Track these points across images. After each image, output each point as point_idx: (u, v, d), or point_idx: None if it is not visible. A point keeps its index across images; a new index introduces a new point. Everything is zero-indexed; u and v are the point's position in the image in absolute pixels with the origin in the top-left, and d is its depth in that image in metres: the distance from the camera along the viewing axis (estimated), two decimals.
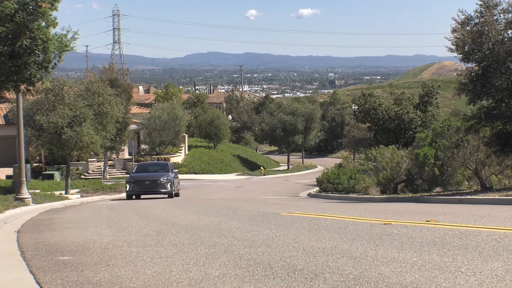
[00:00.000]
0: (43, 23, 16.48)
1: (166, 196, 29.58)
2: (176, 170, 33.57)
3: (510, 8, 17.82)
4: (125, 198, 30.32)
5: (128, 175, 41.39)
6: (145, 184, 29.56)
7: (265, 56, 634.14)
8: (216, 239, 8.57)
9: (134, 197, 29.79)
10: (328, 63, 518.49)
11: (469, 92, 18.29)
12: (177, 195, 30.65)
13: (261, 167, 69.11)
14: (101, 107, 35.32)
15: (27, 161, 32.61)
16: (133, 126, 55.24)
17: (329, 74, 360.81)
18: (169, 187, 29.44)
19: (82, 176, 50.78)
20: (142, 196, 30.35)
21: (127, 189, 29.85)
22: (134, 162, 48.80)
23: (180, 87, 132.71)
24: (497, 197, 15.69)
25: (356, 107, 47.99)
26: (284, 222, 11.04)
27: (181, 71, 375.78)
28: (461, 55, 18.30)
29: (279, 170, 72.93)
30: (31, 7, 16.25)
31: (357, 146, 66.61)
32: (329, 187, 30.72)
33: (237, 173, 66.04)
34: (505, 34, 17.84)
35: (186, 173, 60.76)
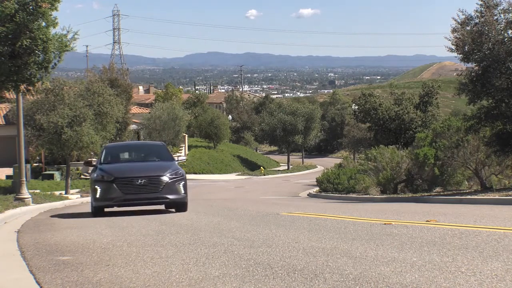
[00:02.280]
0: (43, 23, 16.49)
1: (174, 208, 16.37)
2: (184, 158, 19.63)
3: (510, 8, 17.82)
4: (89, 213, 16.57)
5: None
6: (136, 185, 15.29)
7: (265, 56, 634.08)
8: (216, 239, 8.57)
9: (104, 209, 15.92)
10: (328, 63, 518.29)
11: (469, 92, 18.29)
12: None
13: (261, 167, 69.11)
14: (101, 107, 35.34)
15: (27, 161, 32.62)
16: (133, 126, 55.25)
17: (329, 74, 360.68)
18: (182, 190, 15.67)
19: (82, 176, 50.74)
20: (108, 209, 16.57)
21: (97, 195, 15.42)
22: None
23: (180, 87, 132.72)
24: (497, 197, 15.69)
25: (356, 107, 48.03)
26: (284, 222, 11.04)
27: (181, 71, 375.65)
28: (461, 55, 18.30)
29: (279, 170, 72.93)
30: (31, 7, 16.25)
31: (357, 146, 66.64)
32: (329, 187, 30.71)
33: (237, 173, 66.05)
34: (505, 34, 17.84)
35: (186, 173, 60.82)
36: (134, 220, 13.43)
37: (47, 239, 9.91)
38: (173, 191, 15.40)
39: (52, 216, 16.33)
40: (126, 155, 17.78)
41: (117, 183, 15.19)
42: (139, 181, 15.24)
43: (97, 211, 15.56)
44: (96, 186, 15.43)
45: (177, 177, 15.54)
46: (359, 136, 62.86)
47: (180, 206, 15.85)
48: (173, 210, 16.42)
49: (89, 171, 54.27)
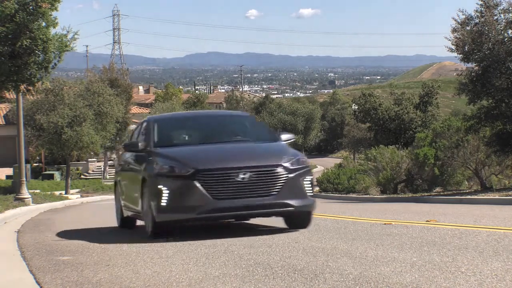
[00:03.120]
0: (43, 23, 16.52)
1: (289, 222, 9.42)
2: (291, 136, 10.26)
3: (510, 8, 17.83)
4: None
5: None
6: (236, 183, 8.52)
7: (265, 56, 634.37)
8: (216, 239, 8.56)
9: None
10: (328, 63, 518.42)
11: (469, 92, 18.29)
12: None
13: None
14: (101, 107, 35.40)
15: (27, 161, 32.65)
16: (133, 126, 55.23)
17: (329, 74, 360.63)
18: (310, 190, 9.00)
19: (82, 176, 50.82)
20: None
21: (163, 202, 8.57)
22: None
23: (180, 87, 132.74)
24: (497, 197, 15.69)
25: (356, 107, 48.09)
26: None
27: (181, 71, 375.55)
28: (461, 55, 18.31)
29: None
30: (31, 7, 16.27)
31: (357, 146, 66.68)
32: (329, 187, 30.74)
33: None
34: (505, 34, 17.85)
35: None
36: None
37: (47, 239, 9.91)
38: (298, 193, 8.81)
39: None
40: (195, 133, 10.46)
41: (201, 179, 8.50)
42: (241, 175, 8.53)
43: (161, 230, 8.92)
44: (160, 186, 8.62)
45: (301, 168, 8.93)
46: (359, 136, 62.89)
47: (304, 217, 9.25)
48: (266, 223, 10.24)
49: (90, 171, 54.25)
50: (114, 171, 56.15)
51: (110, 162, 56.27)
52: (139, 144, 9.81)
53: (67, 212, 20.15)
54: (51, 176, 44.97)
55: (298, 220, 9.25)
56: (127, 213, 10.73)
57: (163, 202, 8.57)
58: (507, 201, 14.60)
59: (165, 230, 8.93)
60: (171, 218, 8.68)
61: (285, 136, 10.02)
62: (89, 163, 54.42)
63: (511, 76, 17.67)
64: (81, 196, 32.86)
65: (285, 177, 8.67)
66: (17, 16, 15.91)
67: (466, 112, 23.32)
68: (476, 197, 16.77)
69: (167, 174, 8.69)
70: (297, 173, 8.80)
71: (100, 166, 54.05)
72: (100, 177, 50.37)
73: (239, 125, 10.81)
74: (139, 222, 10.56)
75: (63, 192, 34.19)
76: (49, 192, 31.23)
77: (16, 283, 6.05)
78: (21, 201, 21.35)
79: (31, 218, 16.32)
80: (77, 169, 50.72)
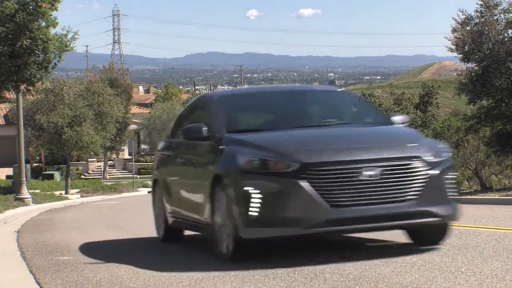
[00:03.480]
0: (43, 23, 16.53)
1: (421, 239, 6.72)
2: (404, 117, 7.65)
3: (510, 8, 17.83)
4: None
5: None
6: (359, 182, 5.90)
7: (265, 56, 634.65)
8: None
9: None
10: (328, 63, 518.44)
11: (469, 92, 18.29)
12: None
13: None
14: (101, 107, 35.42)
15: (27, 161, 32.65)
16: (133, 126, 55.28)
17: (329, 74, 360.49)
18: (455, 193, 6.45)
19: (82, 176, 50.80)
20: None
21: (254, 210, 5.90)
22: (134, 161, 48.50)
23: (180, 87, 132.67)
24: (497, 197, 15.68)
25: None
26: None
27: (181, 71, 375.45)
28: (461, 55, 18.30)
29: None
30: (31, 7, 16.28)
31: None
32: None
33: None
34: (505, 34, 17.85)
35: None
36: (134, 220, 13.40)
37: (47, 239, 9.91)
38: (442, 197, 6.30)
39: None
40: (279, 115, 7.60)
41: (311, 177, 5.94)
42: (367, 171, 6.02)
43: (242, 248, 6.30)
44: (248, 188, 6.03)
45: (444, 162, 6.40)
46: None
47: (441, 230, 6.65)
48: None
49: (90, 171, 54.65)
50: (115, 171, 55.92)
51: (110, 162, 56.29)
52: (203, 129, 7.05)
53: (67, 212, 20.15)
54: (51, 176, 44.95)
55: (432, 233, 6.67)
56: (172, 219, 8.14)
57: (253, 211, 5.96)
58: (507, 201, 14.59)
59: (244, 250, 6.29)
60: (264, 233, 6.04)
61: (398, 118, 7.53)
62: (89, 163, 54.43)
63: (511, 76, 17.67)
64: (81, 196, 32.85)
65: (425, 174, 6.14)
66: (17, 16, 15.91)
67: (466, 112, 23.32)
68: (476, 197, 16.75)
69: (257, 171, 6.03)
70: (440, 168, 6.27)
71: (100, 166, 54.08)
72: (100, 177, 50.39)
73: (336, 104, 8.10)
74: (187, 232, 8.34)
75: (63, 192, 34.19)
76: (49, 192, 31.23)
77: (16, 283, 6.05)
78: (21, 201, 21.35)
79: (31, 218, 16.32)
80: (77, 169, 50.71)
